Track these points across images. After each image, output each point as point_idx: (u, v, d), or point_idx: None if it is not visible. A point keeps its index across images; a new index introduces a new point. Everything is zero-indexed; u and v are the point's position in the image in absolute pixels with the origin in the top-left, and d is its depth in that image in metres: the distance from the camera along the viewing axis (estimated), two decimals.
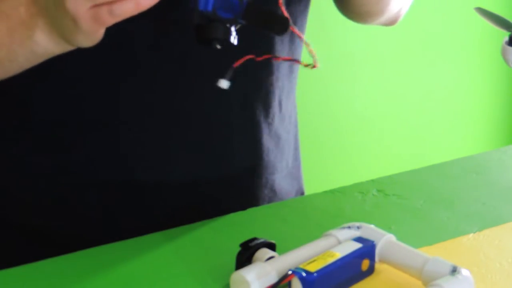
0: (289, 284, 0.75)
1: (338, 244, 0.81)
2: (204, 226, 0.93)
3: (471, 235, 0.91)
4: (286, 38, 0.99)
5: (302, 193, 1.13)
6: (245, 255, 0.81)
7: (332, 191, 1.02)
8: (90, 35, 0.74)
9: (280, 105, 1.02)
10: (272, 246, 0.83)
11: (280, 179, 1.05)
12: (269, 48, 0.97)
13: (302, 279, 0.74)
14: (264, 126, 1.00)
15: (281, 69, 1.00)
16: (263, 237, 0.83)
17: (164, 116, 0.93)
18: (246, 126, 0.99)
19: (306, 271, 0.74)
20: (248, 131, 0.99)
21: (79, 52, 0.80)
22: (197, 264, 0.85)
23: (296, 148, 1.10)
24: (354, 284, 0.79)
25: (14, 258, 0.87)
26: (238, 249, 0.82)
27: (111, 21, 0.71)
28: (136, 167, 0.95)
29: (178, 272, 0.84)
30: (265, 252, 0.81)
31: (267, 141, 1.01)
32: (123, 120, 0.93)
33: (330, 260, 0.76)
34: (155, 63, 0.91)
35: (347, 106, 2.36)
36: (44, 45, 0.78)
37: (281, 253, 0.81)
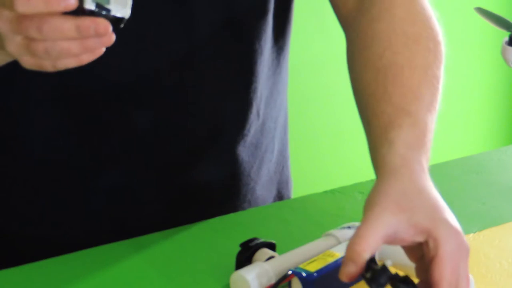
0: (289, 284, 0.75)
1: (338, 244, 0.81)
2: (204, 226, 0.93)
3: (471, 235, 0.91)
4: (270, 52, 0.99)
5: (281, 198, 1.10)
6: (245, 255, 0.81)
7: (332, 191, 1.02)
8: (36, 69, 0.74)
9: (258, 114, 1.00)
10: (272, 246, 0.83)
11: (255, 188, 1.04)
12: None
13: (302, 279, 0.74)
14: (238, 139, 0.99)
15: (260, 78, 0.98)
16: (263, 237, 0.83)
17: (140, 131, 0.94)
18: (218, 139, 0.98)
19: (306, 271, 0.74)
20: (220, 144, 0.98)
21: None
22: (197, 264, 0.85)
23: (282, 151, 1.08)
24: (354, 284, 0.79)
25: (13, 258, 0.87)
26: (238, 249, 0.82)
27: (53, 70, 0.72)
28: (131, 169, 0.95)
29: (178, 271, 0.84)
30: (265, 252, 0.81)
31: (242, 152, 1.00)
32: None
33: (330, 260, 0.76)
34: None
35: (347, 106, 2.35)
36: (3, 57, 0.78)
37: (281, 253, 0.81)
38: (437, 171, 1.08)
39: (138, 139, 0.93)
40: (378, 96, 0.81)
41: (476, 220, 0.94)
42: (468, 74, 2.52)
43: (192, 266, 0.85)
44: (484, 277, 0.82)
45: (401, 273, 0.70)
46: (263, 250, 0.81)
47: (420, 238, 0.70)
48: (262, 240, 0.82)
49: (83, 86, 0.90)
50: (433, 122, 0.80)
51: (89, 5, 0.66)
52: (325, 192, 1.02)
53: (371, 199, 0.72)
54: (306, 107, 2.24)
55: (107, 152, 0.93)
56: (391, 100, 0.80)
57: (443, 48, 0.87)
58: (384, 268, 0.69)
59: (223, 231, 0.92)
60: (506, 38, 1.65)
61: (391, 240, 0.70)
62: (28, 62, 0.71)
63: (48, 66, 0.71)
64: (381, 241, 0.70)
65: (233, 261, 0.82)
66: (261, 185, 1.04)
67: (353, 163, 2.39)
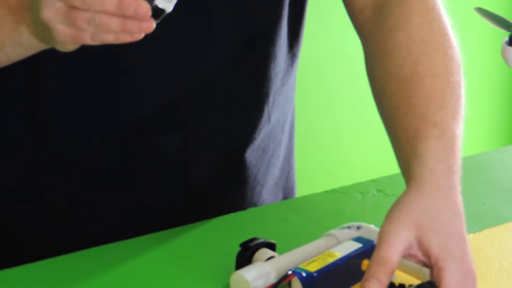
0: (289, 284, 0.75)
1: (338, 244, 0.81)
2: (204, 226, 0.93)
3: (471, 235, 0.91)
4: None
5: None
6: (245, 255, 0.81)
7: (332, 191, 1.02)
8: (66, 48, 0.74)
9: (269, 119, 1.00)
10: (272, 246, 0.83)
11: (262, 192, 1.04)
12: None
13: (302, 279, 0.74)
14: (248, 142, 0.99)
15: (274, 83, 0.98)
16: (263, 237, 0.83)
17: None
18: (228, 142, 0.98)
19: (306, 271, 0.74)
20: (229, 147, 0.98)
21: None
22: (197, 264, 0.85)
23: (287, 157, 1.08)
24: (354, 284, 0.79)
25: (13, 258, 0.87)
26: (238, 249, 0.82)
27: (90, 43, 0.72)
28: (134, 170, 0.95)
29: (178, 271, 0.84)
30: (265, 252, 0.81)
31: (250, 156, 1.00)
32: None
33: (330, 260, 0.77)
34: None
35: (348, 106, 2.36)
36: (29, 38, 0.78)
37: (281, 253, 0.81)
38: None
39: (144, 145, 0.93)
40: (403, 110, 0.82)
41: (476, 220, 0.94)
42: (468, 74, 2.52)
43: (192, 266, 0.85)
44: (484, 277, 0.82)
45: None
46: (263, 250, 0.81)
47: (427, 261, 0.73)
48: (262, 240, 0.82)
49: (104, 110, 0.91)
50: (460, 128, 0.81)
51: None
52: (325, 192, 1.02)
53: (393, 211, 0.75)
54: (306, 107, 2.24)
55: (110, 153, 0.93)
56: (415, 112, 0.81)
57: (460, 53, 0.87)
58: (432, 283, 0.71)
59: (223, 231, 0.92)
60: (506, 38, 1.65)
61: (404, 254, 0.73)
62: (62, 32, 0.71)
63: (86, 37, 0.71)
64: (400, 257, 0.72)
65: (233, 261, 0.82)
66: (267, 189, 1.04)
67: (353, 163, 2.39)
